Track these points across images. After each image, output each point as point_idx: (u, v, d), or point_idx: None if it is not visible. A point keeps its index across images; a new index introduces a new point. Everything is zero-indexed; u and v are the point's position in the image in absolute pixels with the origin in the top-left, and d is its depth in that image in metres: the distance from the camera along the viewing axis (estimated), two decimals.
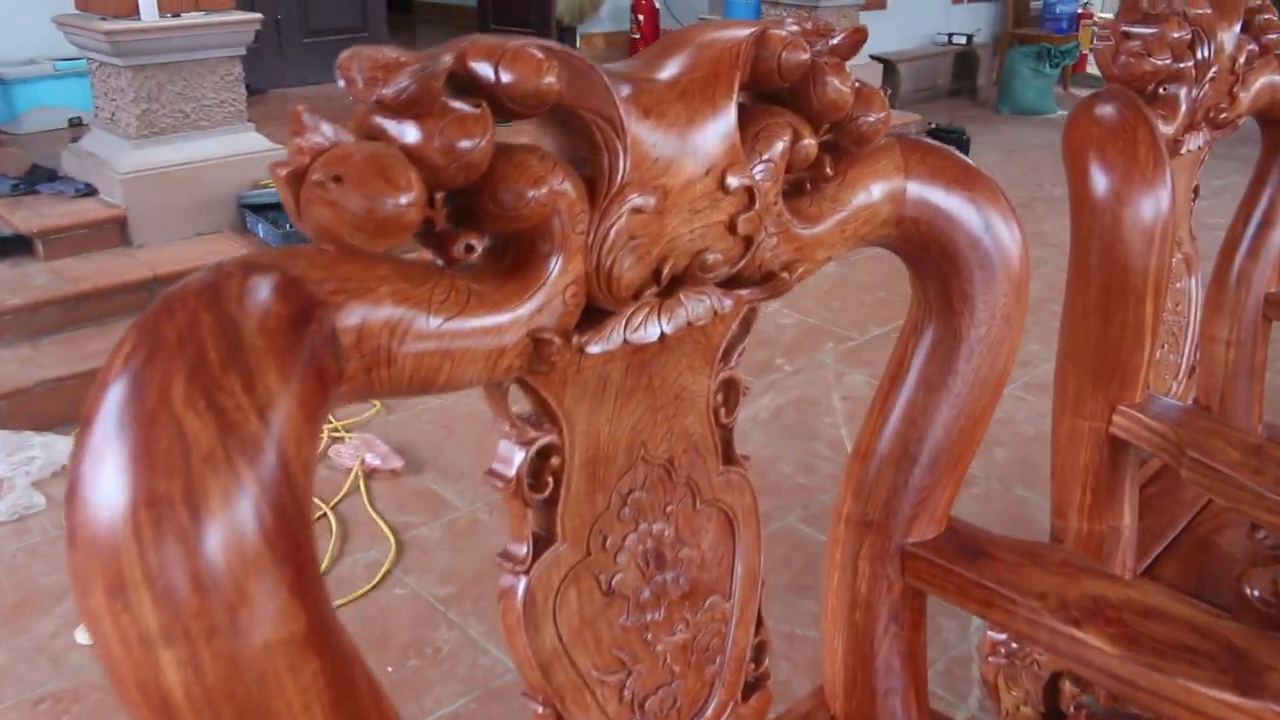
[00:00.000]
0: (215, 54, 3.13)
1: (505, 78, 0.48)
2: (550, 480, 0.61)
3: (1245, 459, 0.96)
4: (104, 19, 2.93)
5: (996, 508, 2.33)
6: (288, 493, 0.40)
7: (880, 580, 0.81)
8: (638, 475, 0.66)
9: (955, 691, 1.79)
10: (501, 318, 0.52)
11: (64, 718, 1.69)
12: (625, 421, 0.64)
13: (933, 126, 5.46)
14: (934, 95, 6.61)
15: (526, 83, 0.48)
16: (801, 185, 0.66)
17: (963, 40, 6.68)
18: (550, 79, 0.49)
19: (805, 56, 0.60)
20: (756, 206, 0.61)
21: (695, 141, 0.57)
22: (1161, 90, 1.11)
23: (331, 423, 2.54)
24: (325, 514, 2.22)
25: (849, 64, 0.64)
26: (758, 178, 0.60)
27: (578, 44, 6.01)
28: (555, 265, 0.54)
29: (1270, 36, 1.22)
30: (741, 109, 0.60)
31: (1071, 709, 1.12)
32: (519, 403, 0.60)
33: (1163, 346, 1.27)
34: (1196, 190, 1.30)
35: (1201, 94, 1.14)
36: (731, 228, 0.60)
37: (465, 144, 0.47)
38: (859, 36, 0.64)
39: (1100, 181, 1.00)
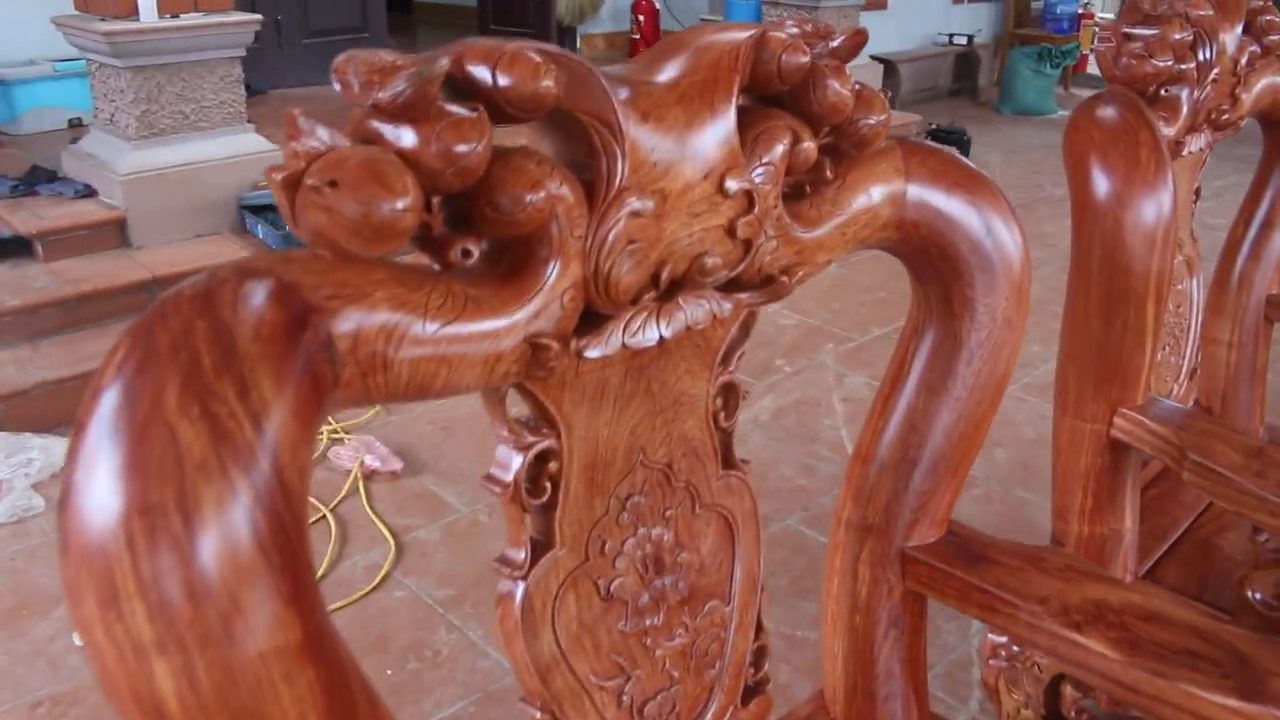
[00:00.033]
0: (215, 55, 3.13)
1: (502, 81, 0.48)
2: (548, 485, 0.61)
3: (1247, 462, 0.96)
4: (103, 20, 2.93)
5: (997, 509, 2.33)
6: (282, 500, 0.40)
7: (880, 584, 0.81)
8: (637, 480, 0.66)
9: (956, 694, 1.79)
10: (499, 323, 0.52)
11: None
12: (624, 426, 0.63)
13: (933, 127, 5.46)
14: (935, 96, 6.61)
15: (524, 86, 0.48)
16: (801, 188, 0.66)
17: (963, 40, 6.68)
18: (548, 82, 0.49)
19: (805, 59, 0.60)
20: (756, 210, 0.60)
21: (694, 145, 0.57)
22: (1163, 92, 1.11)
23: (331, 424, 2.54)
24: (324, 516, 2.21)
25: (849, 65, 0.63)
26: (757, 181, 0.60)
27: (578, 44, 6.01)
28: (553, 270, 0.53)
29: (1272, 37, 1.22)
30: (741, 112, 0.59)
31: (1073, 713, 1.11)
32: (517, 406, 0.60)
33: (1164, 348, 1.26)
34: (1198, 192, 1.30)
35: (1203, 95, 1.14)
36: (731, 231, 0.60)
37: (462, 148, 0.47)
38: (859, 39, 0.63)
39: (1101, 184, 1.00)
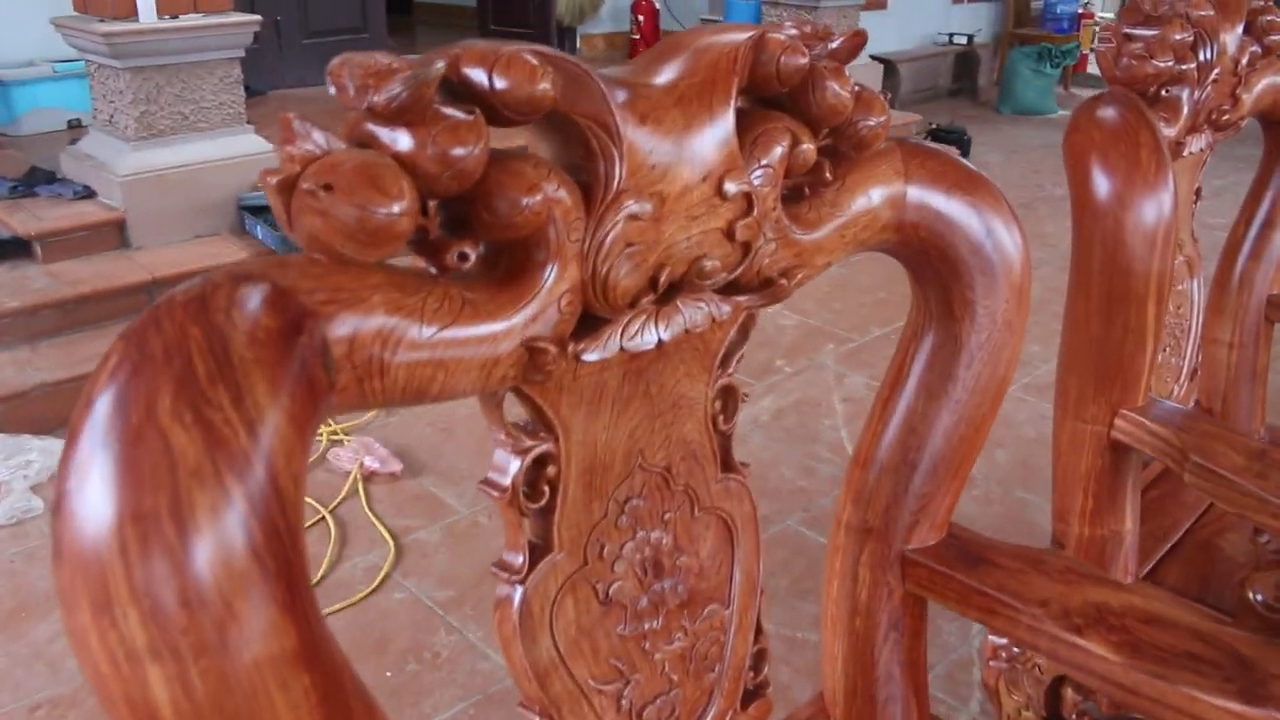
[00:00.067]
0: (214, 56, 3.13)
1: (499, 84, 0.47)
2: (546, 489, 0.61)
3: (1249, 464, 0.96)
4: (102, 21, 2.93)
5: (997, 510, 2.33)
6: (277, 507, 0.40)
7: (880, 587, 0.80)
8: (635, 483, 0.66)
9: (956, 695, 1.78)
10: (496, 326, 0.51)
11: None
12: (622, 429, 0.63)
13: (933, 127, 5.45)
14: (934, 95, 6.61)
15: (520, 89, 0.48)
16: (800, 190, 0.65)
17: (963, 40, 6.68)
18: (545, 85, 0.48)
19: (804, 61, 0.60)
20: (755, 212, 0.60)
21: (692, 147, 0.57)
22: (1164, 92, 1.10)
23: (330, 425, 2.54)
24: (324, 517, 2.21)
25: (849, 65, 0.63)
26: (756, 183, 0.60)
27: (578, 45, 6.00)
28: (550, 273, 0.53)
29: (1273, 37, 1.21)
30: (740, 114, 0.59)
31: (1073, 716, 1.11)
32: (515, 409, 0.59)
33: (1164, 349, 1.26)
34: (1199, 192, 1.29)
35: (1204, 96, 1.14)
36: (729, 234, 0.60)
37: (459, 151, 0.46)
38: (858, 40, 0.63)
39: (1102, 185, 0.99)
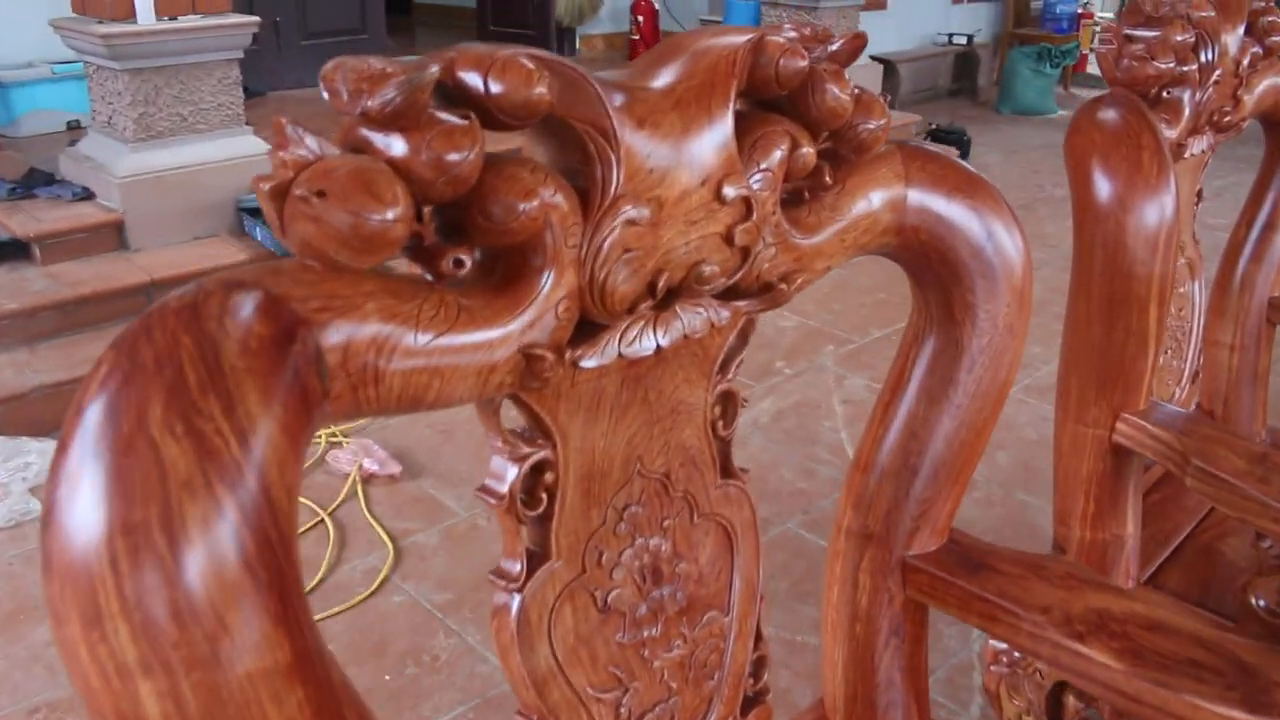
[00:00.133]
0: (212, 57, 3.12)
1: (495, 88, 0.47)
2: (544, 496, 0.60)
3: (1250, 467, 0.95)
4: (100, 22, 2.92)
5: (998, 513, 2.32)
6: (269, 518, 0.39)
7: (881, 593, 0.80)
8: (634, 490, 0.65)
9: (957, 699, 1.78)
10: (492, 333, 0.51)
11: None
12: (621, 436, 0.63)
13: (933, 127, 5.45)
14: (934, 96, 6.60)
15: (516, 93, 0.47)
16: (800, 194, 0.65)
17: (963, 40, 6.67)
18: (541, 89, 0.48)
19: (803, 63, 0.59)
20: (754, 217, 0.59)
21: (691, 151, 0.56)
22: (1165, 94, 1.10)
23: (329, 428, 2.53)
24: (323, 520, 2.21)
25: (848, 66, 0.62)
26: (755, 187, 0.59)
27: (577, 45, 6.00)
28: (547, 279, 0.52)
29: (1274, 39, 1.21)
30: (738, 117, 0.58)
31: None
32: (512, 416, 0.59)
33: (1165, 352, 1.26)
34: (1200, 194, 1.29)
35: (1205, 97, 1.13)
36: (728, 239, 0.59)
37: (454, 157, 0.46)
38: (858, 43, 0.62)
39: (1103, 187, 0.99)
